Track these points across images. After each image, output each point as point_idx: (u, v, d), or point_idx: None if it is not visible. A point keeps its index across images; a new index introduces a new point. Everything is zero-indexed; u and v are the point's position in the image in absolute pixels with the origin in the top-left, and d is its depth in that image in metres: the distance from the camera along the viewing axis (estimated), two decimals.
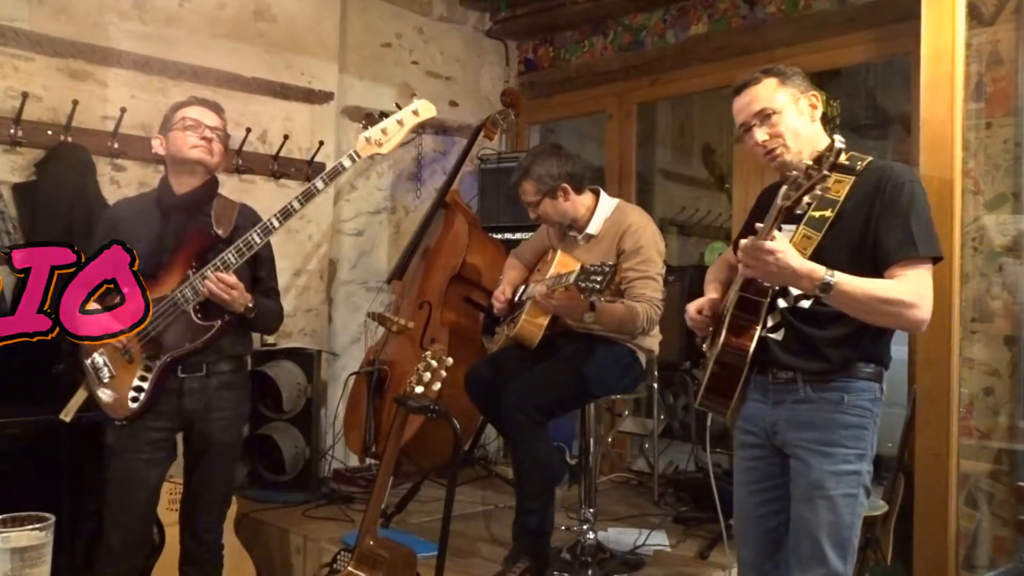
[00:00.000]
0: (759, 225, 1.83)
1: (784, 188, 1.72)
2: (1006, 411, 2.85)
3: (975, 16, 2.89)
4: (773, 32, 3.97)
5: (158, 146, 2.56)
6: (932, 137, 2.90)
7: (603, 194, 3.03)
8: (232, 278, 2.42)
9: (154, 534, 3.02)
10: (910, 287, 1.87)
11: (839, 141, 1.66)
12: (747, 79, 2.06)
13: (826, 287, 1.80)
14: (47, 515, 1.37)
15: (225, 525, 2.95)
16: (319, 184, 2.47)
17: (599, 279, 2.46)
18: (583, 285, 2.48)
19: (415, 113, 2.60)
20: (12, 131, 3.27)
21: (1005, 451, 2.85)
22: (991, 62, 2.88)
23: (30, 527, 1.34)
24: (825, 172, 1.65)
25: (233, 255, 2.41)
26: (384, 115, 2.61)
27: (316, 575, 2.87)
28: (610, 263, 2.49)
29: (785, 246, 1.81)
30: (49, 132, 3.35)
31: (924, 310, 1.87)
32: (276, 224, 2.45)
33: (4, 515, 1.36)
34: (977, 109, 2.90)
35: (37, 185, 3.31)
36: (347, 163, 2.51)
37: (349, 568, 2.44)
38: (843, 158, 1.98)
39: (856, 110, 4.91)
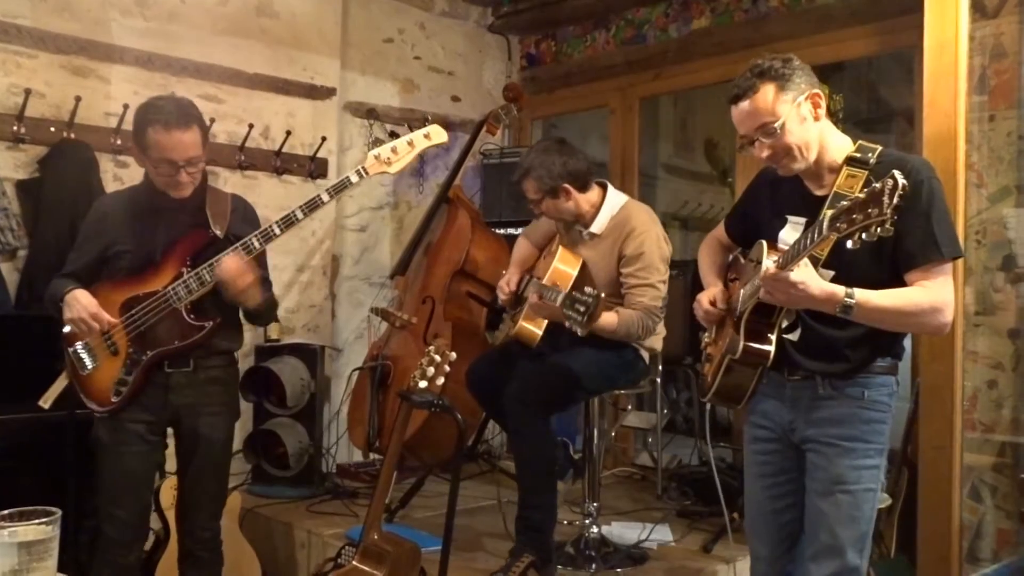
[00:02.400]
0: (783, 246, 1.78)
1: (830, 215, 1.66)
2: (1010, 404, 2.84)
3: (978, 9, 2.88)
4: (776, 26, 3.96)
5: (133, 156, 2.52)
6: (935, 130, 2.90)
7: (611, 189, 2.97)
8: (253, 267, 2.39)
9: (158, 529, 3.03)
10: (933, 294, 1.84)
11: (901, 177, 1.54)
12: (743, 87, 1.92)
13: (847, 309, 1.78)
14: (53, 509, 1.37)
15: (230, 520, 2.96)
16: (324, 197, 2.46)
17: (582, 310, 2.39)
18: (568, 313, 2.43)
19: (427, 136, 2.64)
20: (15, 128, 3.27)
21: (1009, 444, 2.85)
22: (994, 55, 2.87)
23: (36, 521, 1.34)
24: (887, 214, 1.54)
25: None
26: (395, 135, 2.65)
27: (320, 569, 2.87)
28: (594, 294, 2.39)
29: (807, 276, 1.77)
30: (52, 129, 3.36)
31: (947, 314, 1.86)
32: (277, 231, 2.43)
33: (10, 510, 1.36)
34: (980, 102, 2.89)
35: (40, 182, 3.32)
36: (354, 179, 2.51)
37: (354, 563, 2.45)
38: (853, 149, 1.96)
39: (859, 104, 4.90)
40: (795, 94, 1.91)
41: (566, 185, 2.86)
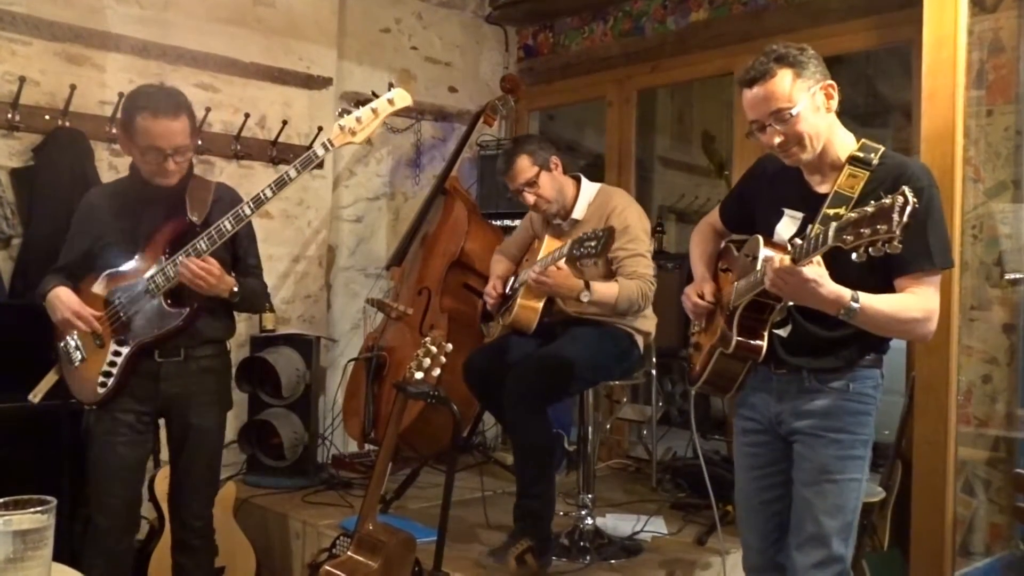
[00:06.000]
0: (797, 241, 1.76)
1: (835, 226, 1.64)
2: (1004, 399, 2.86)
3: (977, 3, 2.88)
4: (774, 19, 3.95)
5: (120, 145, 2.49)
6: (933, 125, 2.90)
7: (584, 180, 3.06)
8: (212, 263, 2.37)
9: (153, 519, 3.03)
10: (924, 303, 1.85)
11: (911, 195, 1.54)
12: (760, 70, 1.88)
13: (850, 312, 1.77)
14: (49, 498, 1.37)
15: (224, 511, 2.95)
16: (291, 172, 2.43)
17: (593, 243, 2.47)
18: (577, 253, 2.51)
19: (390, 102, 2.56)
20: (10, 116, 3.26)
21: (1002, 438, 2.86)
22: (992, 49, 2.87)
23: (32, 510, 1.34)
24: (896, 232, 1.53)
25: (205, 242, 2.38)
26: (361, 104, 2.58)
27: (315, 560, 2.87)
28: (601, 228, 2.50)
29: (820, 274, 1.75)
30: (47, 117, 3.34)
31: (933, 323, 1.87)
32: (248, 211, 2.41)
33: (6, 498, 1.36)
34: (978, 96, 2.90)
35: (35, 170, 3.30)
36: (320, 151, 2.47)
37: (349, 553, 2.45)
38: (856, 148, 1.95)
39: (856, 98, 4.90)
40: (811, 83, 1.89)
41: (555, 158, 2.98)
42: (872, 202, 1.59)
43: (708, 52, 4.22)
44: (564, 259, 2.63)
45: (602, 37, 4.72)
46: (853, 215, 1.61)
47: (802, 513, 2.02)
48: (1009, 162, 2.86)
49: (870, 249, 1.57)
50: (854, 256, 1.60)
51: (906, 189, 1.55)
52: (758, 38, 3.91)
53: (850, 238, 1.60)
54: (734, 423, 2.23)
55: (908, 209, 1.52)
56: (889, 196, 1.55)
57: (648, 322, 3.00)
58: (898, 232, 1.53)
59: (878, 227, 1.55)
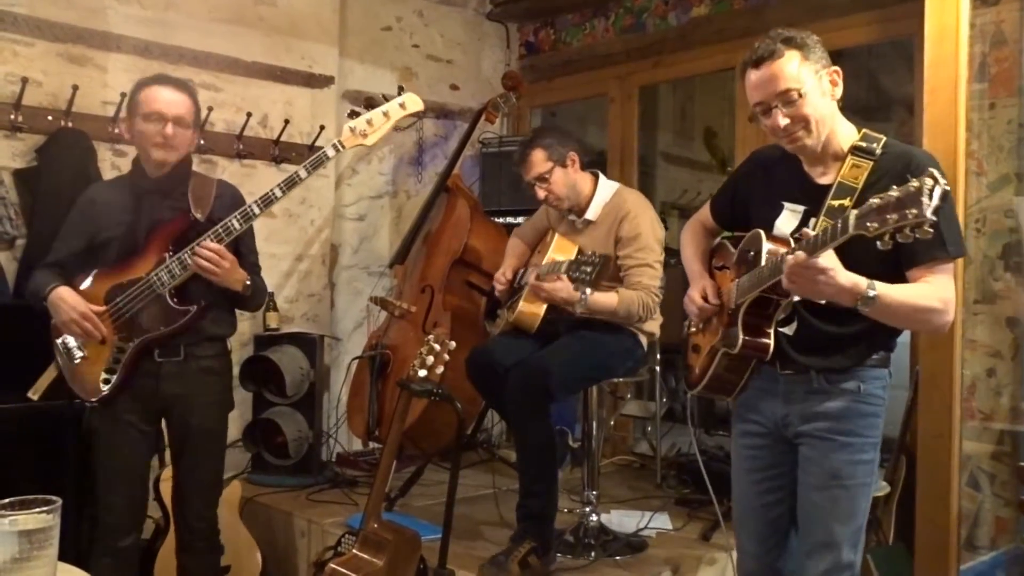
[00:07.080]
0: (811, 233, 1.69)
1: (855, 214, 1.57)
2: (1008, 392, 2.85)
3: None
4: (775, 13, 3.94)
5: (124, 130, 2.52)
6: (935, 118, 2.89)
7: (602, 178, 3.03)
8: (223, 249, 2.37)
9: (158, 517, 3.04)
10: (940, 293, 1.79)
11: (941, 176, 1.46)
12: (767, 50, 1.85)
13: (868, 301, 1.70)
14: (53, 498, 1.37)
15: (230, 509, 2.96)
16: (302, 173, 2.43)
17: (589, 270, 2.47)
18: (574, 276, 2.52)
19: (402, 106, 2.57)
20: (12, 117, 3.26)
21: (1007, 432, 2.86)
22: (995, 42, 2.86)
23: (37, 510, 1.35)
24: (931, 216, 1.45)
25: (211, 240, 2.38)
26: (372, 105, 2.59)
27: (320, 558, 2.88)
28: (602, 254, 2.50)
29: (835, 263, 1.69)
30: (49, 117, 3.35)
31: (950, 313, 1.82)
32: (256, 211, 2.41)
33: (11, 499, 1.36)
34: (980, 90, 2.89)
35: (38, 171, 3.31)
36: (331, 152, 2.47)
37: (354, 551, 2.46)
38: (858, 137, 1.91)
39: (858, 92, 4.88)
40: (817, 66, 1.87)
41: (573, 154, 2.93)
42: (895, 187, 1.52)
43: (710, 47, 4.21)
44: (561, 275, 2.65)
45: (603, 33, 4.72)
46: (876, 201, 1.54)
47: (811, 519, 1.97)
48: (1012, 155, 2.85)
49: (897, 236, 1.50)
50: (879, 244, 1.53)
51: (934, 171, 1.49)
52: (759, 33, 3.84)
53: (875, 225, 1.52)
54: (733, 426, 2.17)
55: (938, 192, 1.46)
56: (916, 179, 1.49)
57: (653, 324, 2.98)
58: (929, 215, 1.46)
59: (907, 212, 1.47)
